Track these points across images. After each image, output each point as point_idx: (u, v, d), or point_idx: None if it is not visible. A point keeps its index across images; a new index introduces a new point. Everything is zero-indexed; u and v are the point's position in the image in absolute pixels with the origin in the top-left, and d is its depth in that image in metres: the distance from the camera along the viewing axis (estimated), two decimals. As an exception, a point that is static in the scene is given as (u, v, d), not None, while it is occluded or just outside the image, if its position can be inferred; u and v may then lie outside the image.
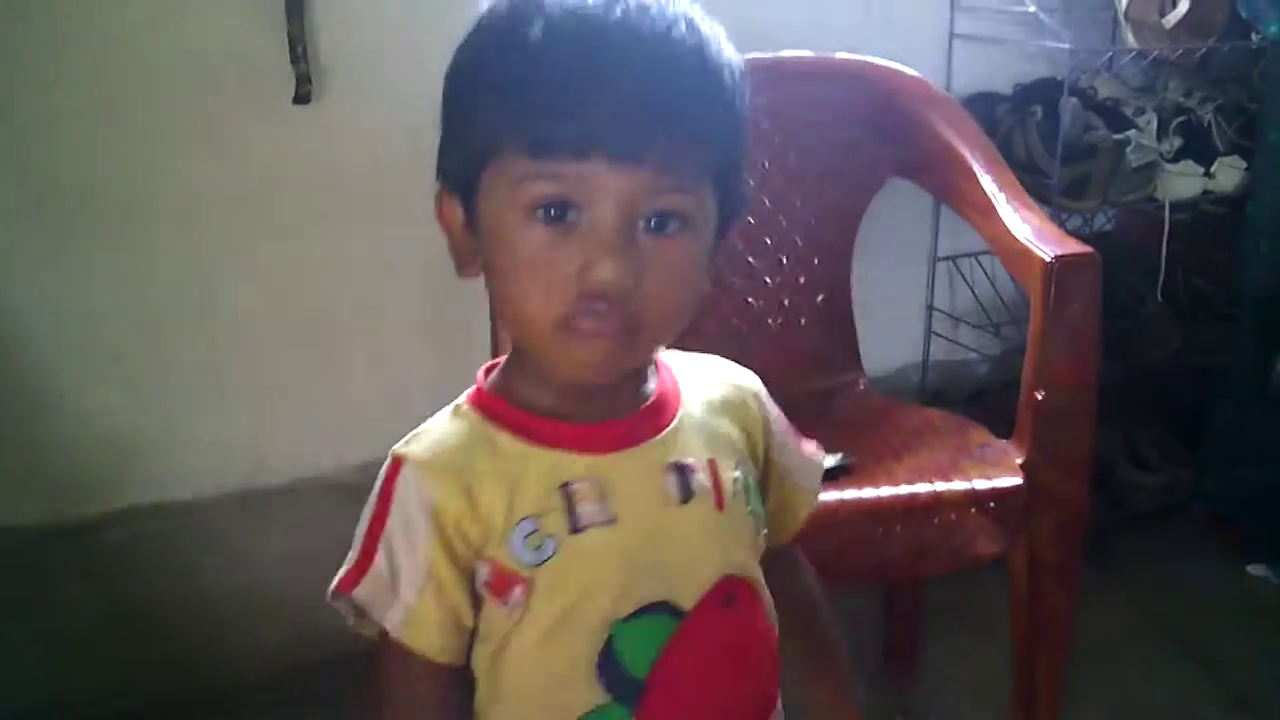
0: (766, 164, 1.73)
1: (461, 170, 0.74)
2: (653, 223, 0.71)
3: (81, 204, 1.60)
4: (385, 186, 1.72)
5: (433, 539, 0.74)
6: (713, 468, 0.80)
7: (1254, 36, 1.99)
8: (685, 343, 0.84)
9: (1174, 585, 2.02)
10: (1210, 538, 2.12)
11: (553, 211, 0.70)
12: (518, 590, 0.74)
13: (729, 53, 0.74)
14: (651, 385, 0.81)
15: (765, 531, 0.84)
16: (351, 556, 0.76)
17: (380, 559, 0.75)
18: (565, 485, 0.75)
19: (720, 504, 0.79)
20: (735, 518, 0.81)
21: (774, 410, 0.88)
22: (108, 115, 1.58)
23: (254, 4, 1.61)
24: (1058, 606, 1.41)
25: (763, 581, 0.83)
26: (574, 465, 0.76)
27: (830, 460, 1.36)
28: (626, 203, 0.70)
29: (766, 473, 0.86)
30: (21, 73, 1.53)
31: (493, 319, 1.40)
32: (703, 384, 0.84)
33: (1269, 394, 1.67)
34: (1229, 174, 2.00)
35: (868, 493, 1.36)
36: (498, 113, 0.71)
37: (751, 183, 1.75)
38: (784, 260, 1.76)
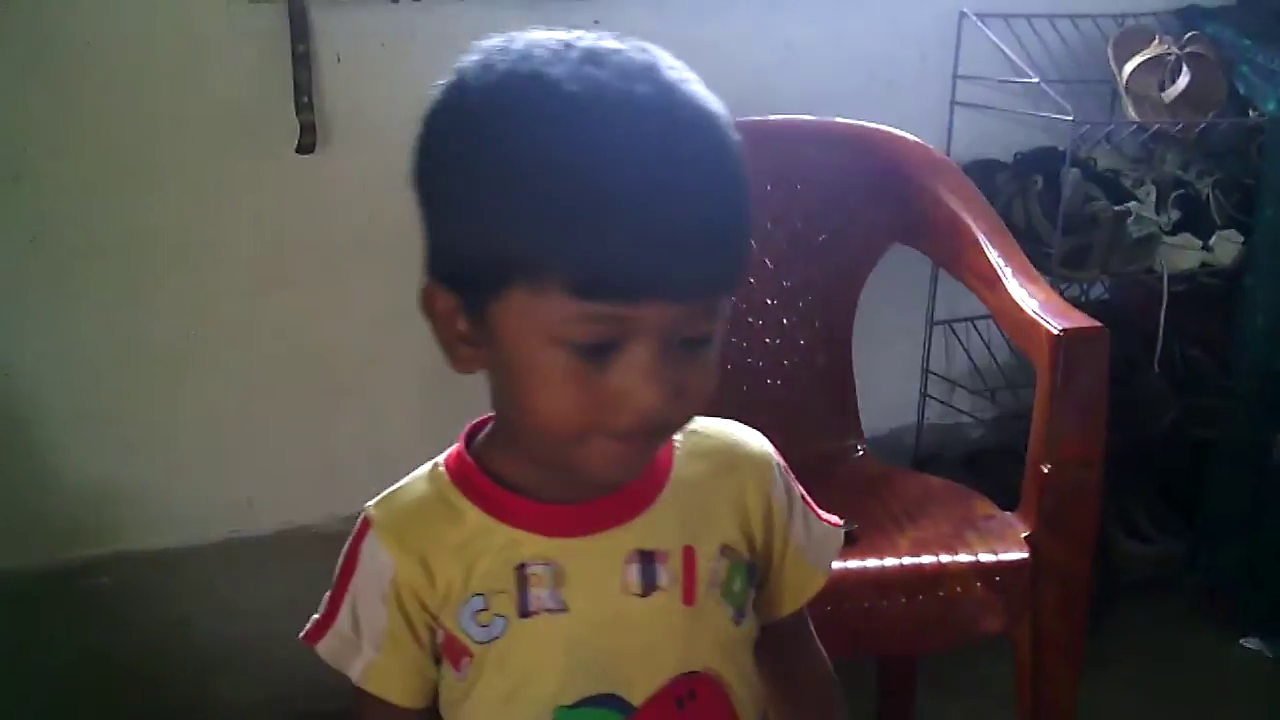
0: (769, 225, 1.73)
1: (471, 278, 0.68)
2: (687, 341, 0.68)
3: (78, 253, 1.59)
4: (386, 238, 1.68)
5: (391, 604, 0.75)
6: (688, 556, 0.77)
7: (1251, 113, 2.01)
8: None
9: (1168, 658, 2.00)
10: (1205, 610, 2.11)
11: (594, 349, 0.66)
12: (466, 661, 0.75)
13: (739, 143, 0.68)
14: None
15: (746, 620, 0.81)
16: (321, 608, 0.79)
17: (344, 616, 0.77)
18: (521, 566, 0.74)
19: (689, 597, 0.77)
20: (706, 612, 0.78)
21: (786, 483, 0.84)
22: (106, 165, 1.58)
23: (259, 53, 1.61)
24: (1062, 683, 1.39)
25: (741, 676, 0.80)
26: (533, 546, 0.75)
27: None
28: (670, 333, 0.66)
29: (768, 551, 0.83)
30: (33, 132, 1.53)
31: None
32: (703, 453, 0.81)
33: (1271, 469, 1.66)
34: (1226, 248, 2.01)
35: (871, 563, 1.34)
36: (537, 239, 0.63)
37: (754, 243, 1.77)
38: (785, 322, 1.76)
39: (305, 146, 1.63)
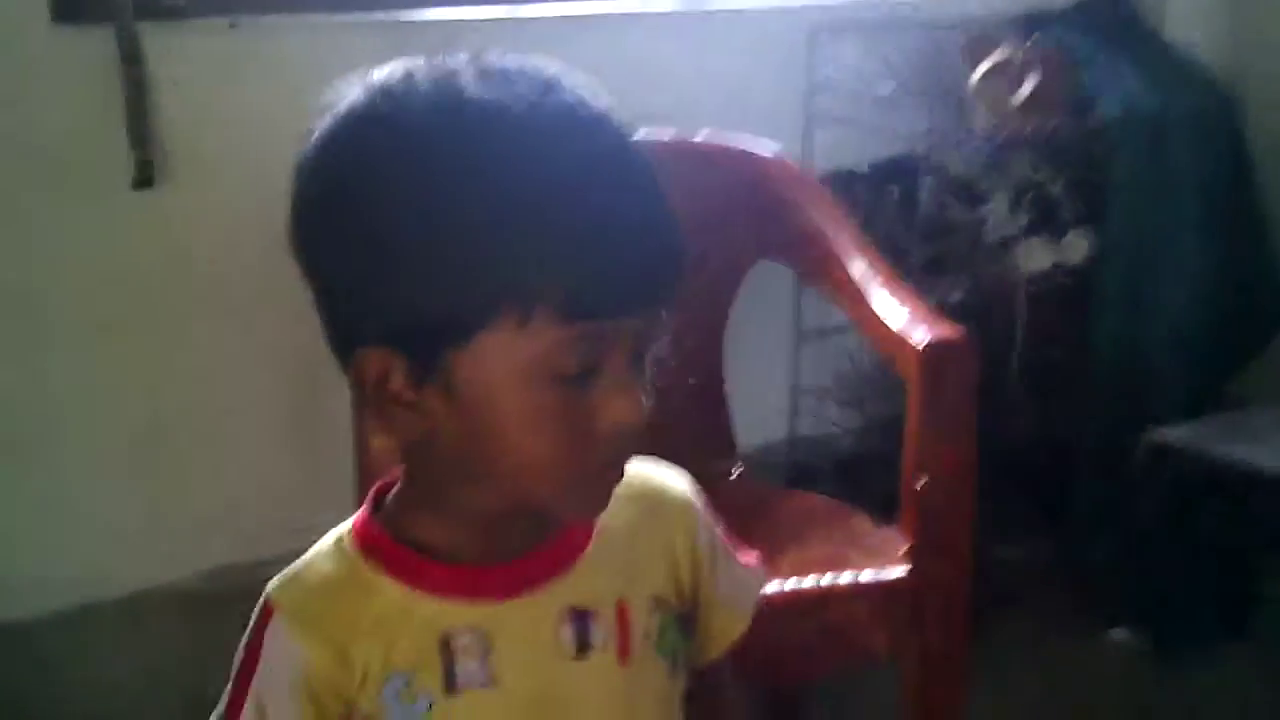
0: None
1: (427, 331, 0.63)
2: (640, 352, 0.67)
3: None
4: (237, 275, 1.63)
5: (303, 699, 0.69)
6: (621, 611, 0.72)
7: (1096, 114, 2.06)
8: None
9: (1043, 658, 2.03)
10: (1075, 607, 2.15)
11: (578, 377, 0.63)
12: None
13: None
14: None
15: (679, 675, 0.77)
16: (221, 706, 0.72)
17: (248, 714, 0.70)
18: (446, 639, 0.69)
19: (625, 656, 0.72)
20: (643, 670, 0.73)
21: (709, 528, 0.80)
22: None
23: (88, 82, 1.52)
24: (951, 696, 1.40)
25: None
26: (458, 615, 0.69)
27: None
28: (640, 345, 0.65)
29: (695, 598, 0.79)
30: None
31: (358, 421, 1.33)
32: (630, 498, 0.74)
33: (1131, 465, 1.70)
34: (1078, 246, 2.06)
35: (753, 590, 1.32)
36: (520, 271, 0.60)
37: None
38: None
39: (142, 181, 1.54)
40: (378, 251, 0.63)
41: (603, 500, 0.69)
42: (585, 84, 0.66)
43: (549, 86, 0.64)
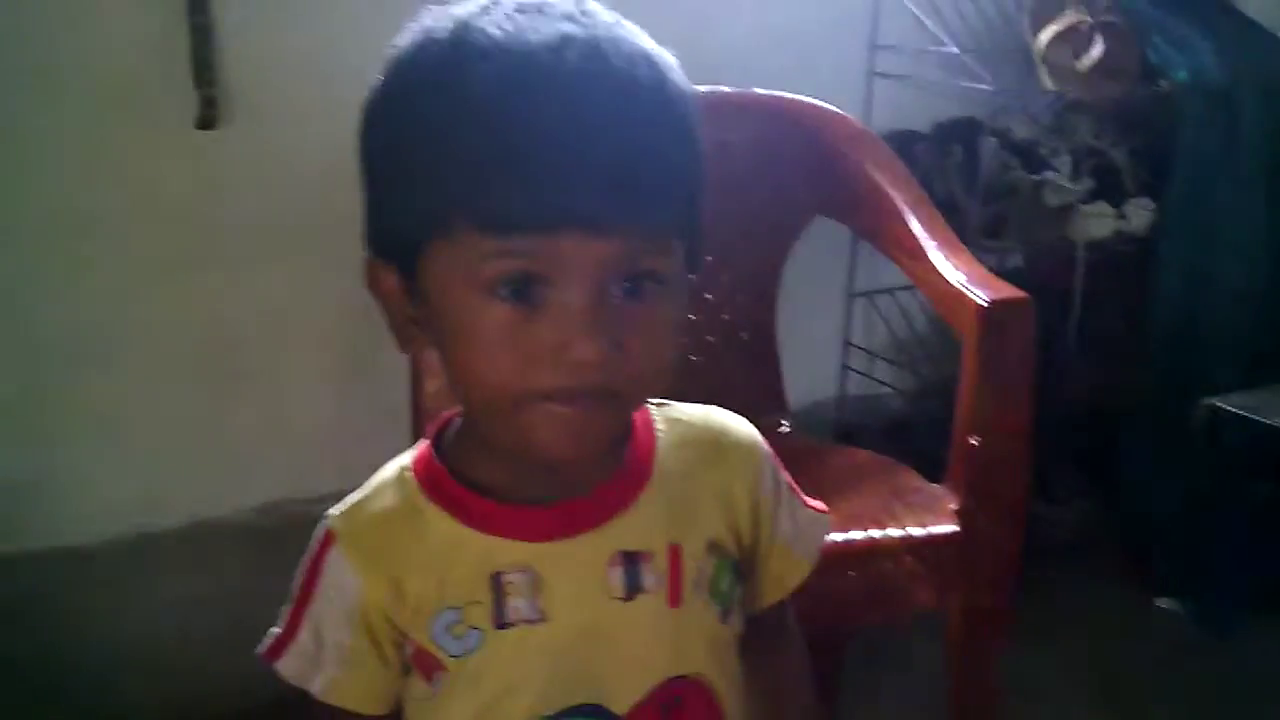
0: (691, 199, 1.70)
1: (398, 241, 0.67)
2: (628, 286, 0.65)
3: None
4: (293, 217, 1.65)
5: (358, 624, 0.71)
6: (673, 555, 0.73)
7: (1163, 82, 2.02)
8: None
9: (1086, 621, 2.04)
10: (1120, 573, 2.14)
11: (517, 289, 0.63)
12: (439, 675, 0.71)
13: (686, 85, 0.67)
14: (621, 451, 0.74)
15: (733, 618, 0.77)
16: (280, 622, 0.74)
17: (305, 634, 0.73)
18: (497, 575, 0.70)
19: (675, 599, 0.73)
20: (693, 613, 0.74)
21: (774, 472, 0.81)
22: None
23: (157, 24, 1.53)
24: (992, 654, 1.40)
25: (728, 677, 0.77)
26: (509, 553, 0.70)
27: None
28: (599, 273, 0.63)
29: (754, 544, 0.79)
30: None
31: (415, 368, 1.34)
32: (688, 443, 0.76)
33: (1184, 434, 1.68)
34: (1140, 215, 2.03)
35: (802, 541, 1.32)
36: (444, 183, 0.63)
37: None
38: (708, 297, 1.73)
39: (206, 121, 1.55)
40: (367, 168, 0.69)
41: (565, 437, 0.65)
42: (610, 18, 0.66)
43: (558, 14, 0.64)
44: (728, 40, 1.93)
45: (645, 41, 0.66)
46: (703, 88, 1.70)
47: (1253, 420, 1.56)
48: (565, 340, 0.63)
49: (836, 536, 1.33)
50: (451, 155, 0.62)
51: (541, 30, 0.62)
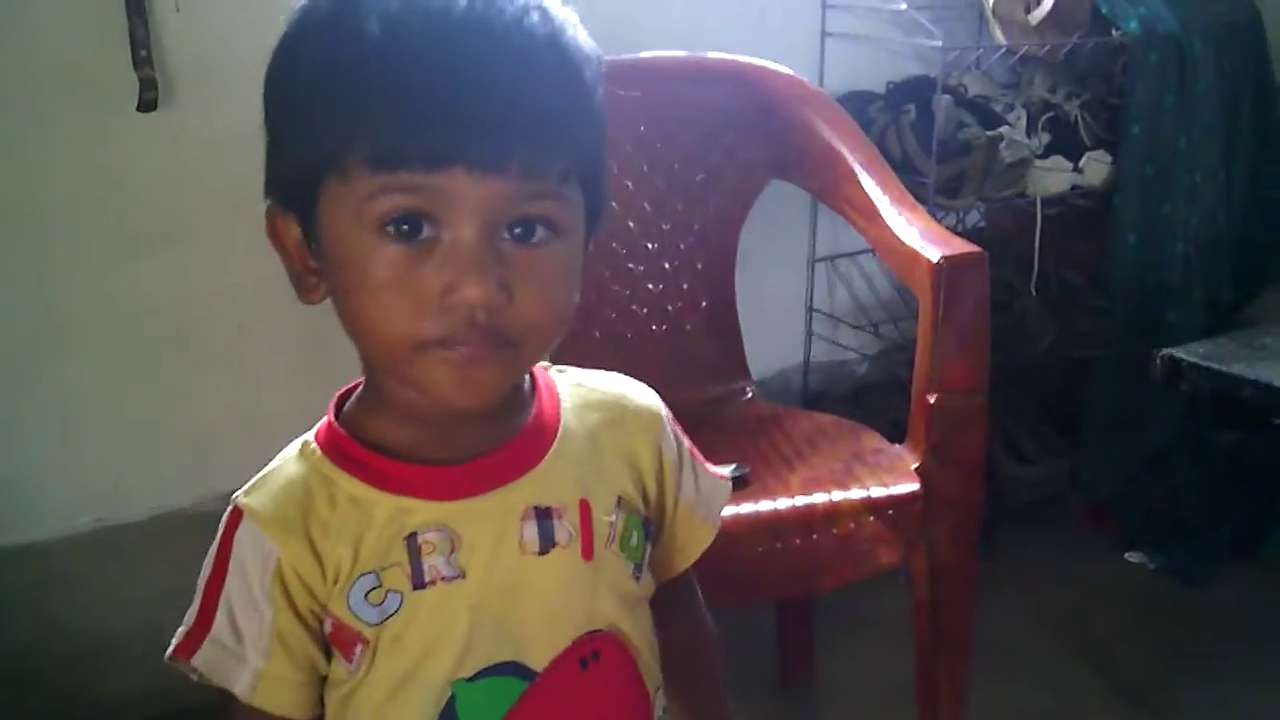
0: (645, 168, 1.69)
1: (295, 185, 0.67)
2: (518, 231, 0.65)
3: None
4: (240, 198, 1.59)
5: (276, 597, 0.69)
6: (584, 510, 0.73)
7: (1115, 33, 2.02)
8: (568, 352, 0.78)
9: (1056, 576, 2.05)
10: (1089, 526, 2.15)
11: (405, 227, 0.63)
12: (359, 649, 0.70)
13: (585, 41, 0.68)
14: (526, 411, 0.74)
15: (644, 576, 0.78)
16: (189, 618, 0.71)
17: (221, 621, 0.70)
18: (411, 536, 0.69)
19: (588, 552, 0.73)
20: (606, 567, 0.74)
21: (675, 435, 0.82)
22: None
23: (94, 7, 1.49)
24: (959, 610, 1.40)
25: (642, 633, 0.77)
26: (421, 513, 0.70)
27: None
28: (488, 213, 0.64)
29: (661, 507, 0.80)
30: None
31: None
32: (591, 406, 0.77)
33: (1148, 386, 1.68)
34: (1096, 169, 2.03)
35: (764, 506, 1.32)
36: (333, 121, 0.64)
37: (631, 185, 1.72)
38: (667, 266, 1.72)
39: (147, 103, 1.53)
40: (268, 118, 0.69)
41: (460, 383, 0.66)
42: None
43: None
44: (677, 4, 1.91)
45: None
46: (656, 54, 1.71)
47: (1212, 369, 1.56)
48: (452, 280, 0.63)
49: (799, 501, 1.33)
50: (342, 94, 0.63)
51: None
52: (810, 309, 2.20)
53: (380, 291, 0.64)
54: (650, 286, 1.72)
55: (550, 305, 0.67)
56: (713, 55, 1.72)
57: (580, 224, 0.70)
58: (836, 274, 2.19)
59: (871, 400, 2.11)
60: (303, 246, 0.69)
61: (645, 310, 1.71)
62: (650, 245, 1.72)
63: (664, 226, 1.72)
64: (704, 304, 1.74)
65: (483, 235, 0.64)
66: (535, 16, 0.65)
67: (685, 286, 1.73)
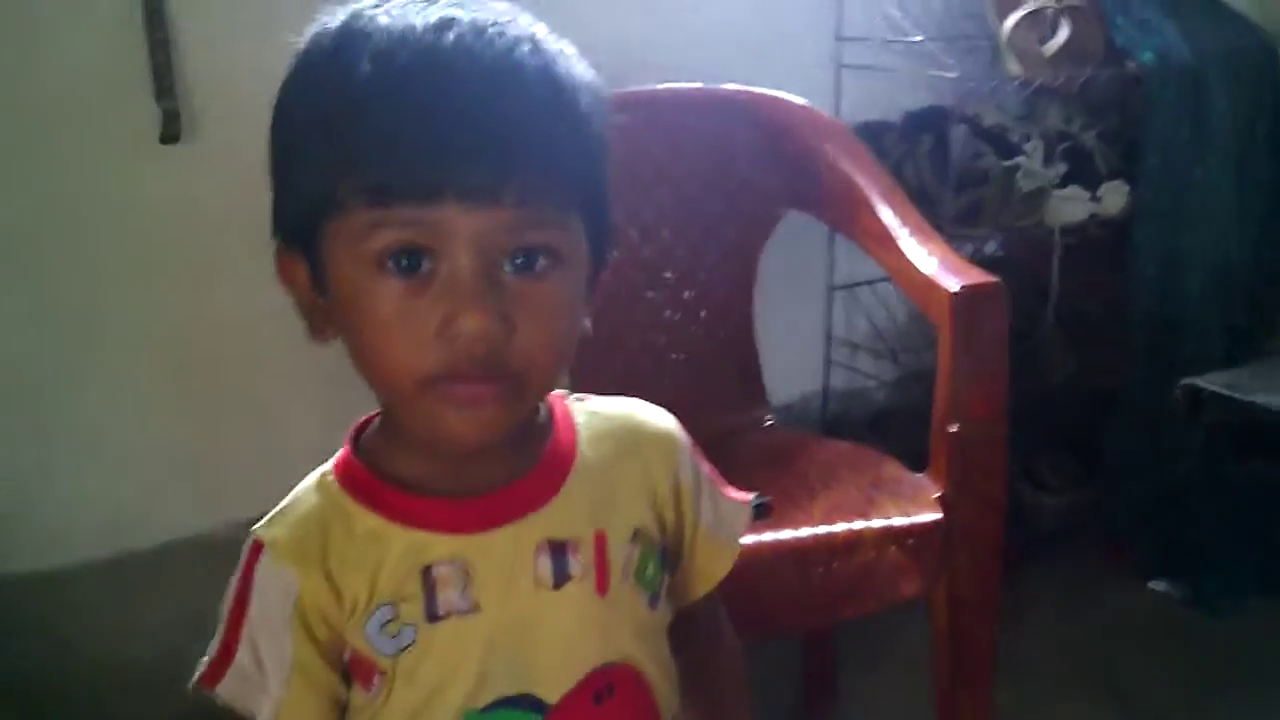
0: (664, 197, 1.69)
1: (298, 224, 0.68)
2: (519, 261, 0.65)
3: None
4: (261, 230, 1.61)
5: (296, 629, 0.70)
6: (599, 543, 0.73)
7: (1129, 64, 2.02)
8: (587, 382, 0.78)
9: (1078, 606, 2.03)
10: (1111, 557, 2.14)
11: (404, 261, 0.64)
12: (376, 679, 0.71)
13: (580, 71, 0.68)
14: (542, 442, 0.74)
15: (661, 605, 0.78)
16: (213, 648, 0.72)
17: (243, 652, 0.71)
18: (426, 570, 0.70)
19: (603, 586, 0.73)
20: (621, 600, 0.74)
21: (693, 461, 0.81)
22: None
23: (116, 36, 1.51)
24: (980, 642, 1.39)
25: (659, 663, 0.77)
26: (437, 547, 0.70)
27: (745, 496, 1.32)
28: (486, 245, 0.64)
29: (679, 532, 0.80)
30: None
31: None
32: (607, 434, 0.77)
33: (1167, 416, 1.68)
34: (1114, 198, 2.03)
35: (785, 535, 1.31)
36: (329, 160, 0.64)
37: (649, 216, 1.72)
38: (685, 295, 1.72)
39: (169, 136, 1.54)
40: (272, 162, 0.70)
41: (464, 423, 0.66)
42: (504, 9, 0.67)
43: (451, 3, 0.66)
44: (691, 36, 1.92)
45: (535, 28, 0.67)
46: (672, 86, 1.72)
47: (1233, 399, 1.55)
48: (450, 312, 0.64)
49: (820, 530, 1.33)
50: (337, 134, 0.64)
51: (426, 14, 0.64)
52: (829, 336, 2.20)
53: (382, 327, 0.65)
54: (668, 315, 1.72)
55: (552, 337, 0.67)
56: (728, 86, 1.73)
57: (583, 253, 0.70)
58: (856, 302, 2.18)
59: (891, 427, 2.10)
60: (310, 287, 0.69)
61: (664, 339, 1.71)
62: (668, 274, 1.72)
63: (682, 255, 1.73)
64: (722, 333, 1.74)
65: (481, 267, 0.64)
66: (526, 48, 0.65)
67: (703, 315, 1.74)
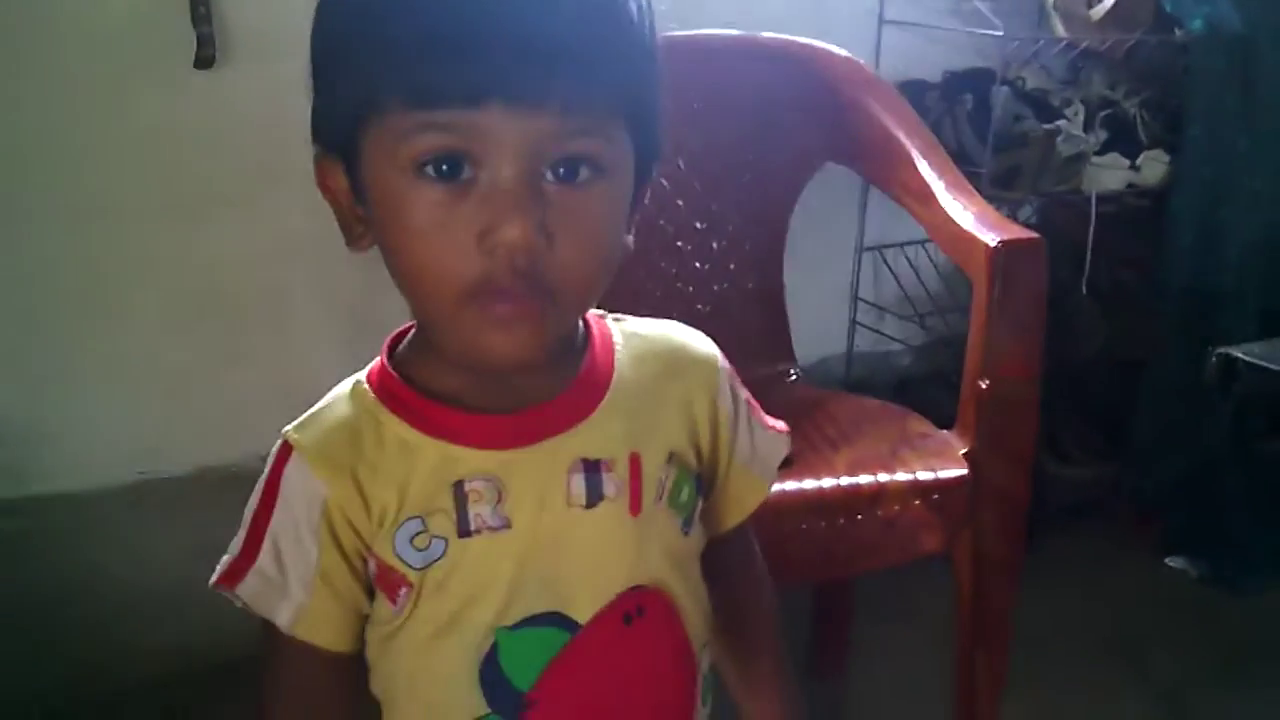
0: (698, 146, 1.67)
1: (338, 130, 0.66)
2: (561, 171, 0.63)
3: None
4: (290, 159, 1.60)
5: (322, 536, 0.69)
6: (634, 463, 0.72)
7: (1178, 31, 1.99)
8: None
9: (1097, 579, 2.02)
10: (1132, 531, 2.12)
11: (444, 167, 0.62)
12: (403, 591, 0.69)
13: None
14: (579, 360, 0.73)
15: (694, 530, 0.77)
16: (235, 547, 0.71)
17: (266, 555, 0.70)
18: (459, 483, 0.69)
19: (635, 507, 0.72)
20: (653, 521, 0.73)
21: (733, 388, 0.80)
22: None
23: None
24: (1000, 602, 1.38)
25: (690, 589, 0.76)
26: (470, 461, 0.69)
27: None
28: (529, 151, 0.61)
29: (715, 459, 0.79)
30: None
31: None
32: (648, 356, 0.76)
33: (1200, 389, 1.65)
34: (1153, 167, 2.00)
35: (808, 484, 1.30)
36: (370, 60, 0.62)
37: (682, 164, 1.70)
38: (714, 246, 1.70)
39: (204, 60, 1.53)
40: (312, 65, 0.67)
41: (503, 338, 0.64)
42: None
43: None
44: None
45: None
46: (713, 31, 1.69)
47: (1269, 370, 1.52)
48: (491, 221, 0.61)
49: (844, 481, 1.31)
50: (380, 35, 0.61)
51: None
52: (855, 298, 2.18)
53: (419, 234, 0.63)
54: (697, 265, 1.70)
55: (594, 249, 0.65)
56: (768, 35, 1.71)
57: (628, 165, 0.67)
58: (884, 264, 2.16)
59: (914, 392, 2.09)
60: (349, 193, 0.68)
61: (691, 289, 1.69)
62: (699, 224, 1.70)
63: (713, 206, 1.71)
64: (751, 285, 1.72)
65: (523, 174, 0.61)
66: None
67: (732, 267, 1.72)
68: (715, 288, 1.71)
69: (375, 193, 0.65)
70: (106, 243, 1.57)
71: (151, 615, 1.67)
